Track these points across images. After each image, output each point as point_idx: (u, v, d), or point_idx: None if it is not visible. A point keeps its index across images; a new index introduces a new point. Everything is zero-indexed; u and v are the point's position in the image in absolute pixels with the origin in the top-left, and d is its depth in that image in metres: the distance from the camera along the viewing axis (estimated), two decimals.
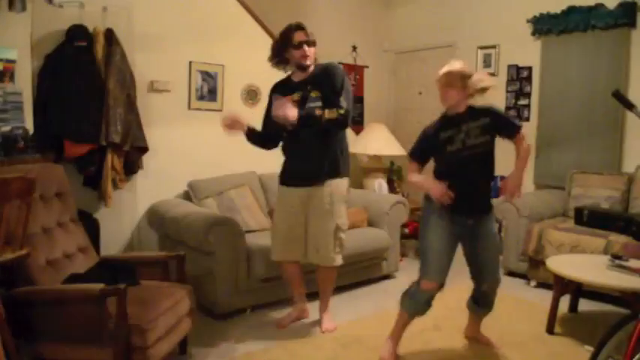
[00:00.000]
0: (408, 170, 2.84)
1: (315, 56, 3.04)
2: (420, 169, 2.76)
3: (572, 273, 3.08)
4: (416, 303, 2.74)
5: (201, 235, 3.18)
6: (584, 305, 3.62)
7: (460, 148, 2.63)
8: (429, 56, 6.32)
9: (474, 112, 2.67)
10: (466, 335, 3.09)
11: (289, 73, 3.16)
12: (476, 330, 3.06)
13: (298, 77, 3.07)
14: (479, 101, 2.72)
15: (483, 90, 2.61)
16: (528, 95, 5.27)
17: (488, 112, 2.67)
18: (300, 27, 2.99)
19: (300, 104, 2.95)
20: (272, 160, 4.56)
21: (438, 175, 2.72)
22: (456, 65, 2.64)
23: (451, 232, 2.67)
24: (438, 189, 2.59)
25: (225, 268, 3.26)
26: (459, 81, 2.61)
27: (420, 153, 2.76)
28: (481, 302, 2.91)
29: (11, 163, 2.70)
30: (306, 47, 2.97)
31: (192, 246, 3.30)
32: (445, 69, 2.66)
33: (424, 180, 2.70)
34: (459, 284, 4.15)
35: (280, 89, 3.09)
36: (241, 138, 4.46)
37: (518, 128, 2.71)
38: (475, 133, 2.62)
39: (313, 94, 2.98)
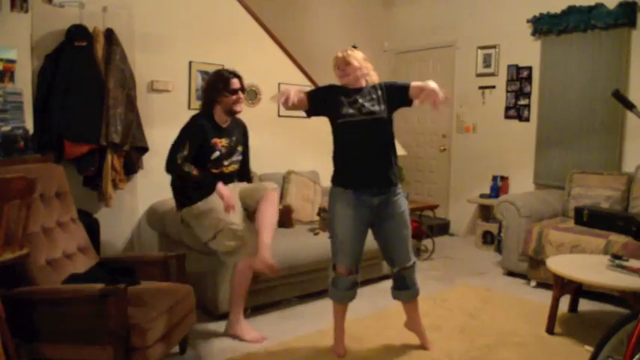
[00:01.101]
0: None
1: None
2: (304, 103, 2.74)
3: (572, 273, 3.08)
4: (338, 289, 2.80)
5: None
6: (584, 305, 3.63)
7: (356, 112, 2.65)
8: (429, 56, 6.33)
9: (366, 89, 2.77)
10: (406, 327, 3.02)
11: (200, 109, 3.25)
12: (415, 322, 2.96)
13: (224, 122, 3.17)
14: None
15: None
16: (528, 95, 5.27)
17: (382, 85, 2.81)
18: (236, 75, 3.14)
19: (228, 152, 3.14)
20: (272, 160, 4.59)
21: (336, 148, 2.73)
22: (348, 50, 2.85)
23: (356, 216, 2.67)
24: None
25: (225, 268, 3.26)
26: (354, 60, 2.77)
27: (315, 94, 2.83)
28: (399, 285, 2.85)
29: (11, 163, 2.70)
30: (240, 94, 3.13)
31: (193, 246, 3.29)
32: (340, 54, 2.83)
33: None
34: (459, 285, 4.17)
35: (208, 129, 3.08)
36: None
37: (408, 85, 2.75)
38: (371, 103, 2.68)
39: (239, 148, 3.23)
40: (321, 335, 3.12)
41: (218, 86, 3.07)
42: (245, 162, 3.31)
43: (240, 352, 2.87)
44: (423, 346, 2.96)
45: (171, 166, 3.01)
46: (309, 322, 3.34)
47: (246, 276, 3.03)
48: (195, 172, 3.00)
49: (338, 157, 2.74)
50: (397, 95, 2.76)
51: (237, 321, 3.07)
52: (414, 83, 2.71)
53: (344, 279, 2.76)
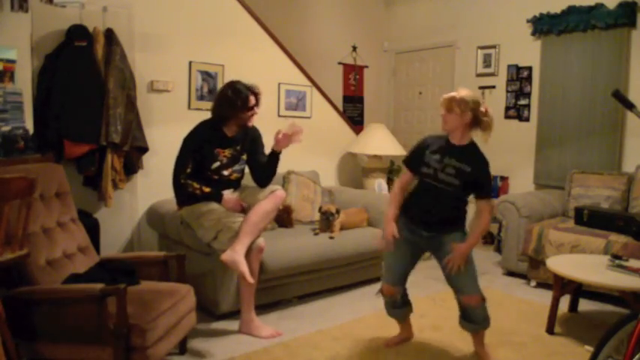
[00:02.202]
0: (399, 178, 2.87)
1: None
2: (411, 176, 2.77)
3: (572, 273, 3.08)
4: (389, 308, 2.94)
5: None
6: (584, 305, 3.62)
7: (430, 175, 2.65)
8: (429, 56, 6.33)
9: (463, 151, 2.65)
10: (475, 351, 2.90)
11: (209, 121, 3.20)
12: (479, 345, 2.87)
13: (231, 132, 3.15)
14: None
15: (484, 125, 2.63)
16: (528, 95, 5.27)
17: (477, 162, 2.64)
18: (253, 91, 3.13)
19: (230, 161, 3.15)
20: None
21: (415, 185, 2.77)
22: (461, 92, 2.62)
23: (408, 240, 2.74)
24: (387, 230, 2.70)
25: (225, 267, 3.25)
26: (457, 107, 2.58)
27: (410, 160, 2.79)
28: (465, 316, 2.78)
29: (11, 163, 2.70)
30: (255, 109, 3.14)
31: (193, 246, 3.29)
32: (453, 93, 2.64)
33: (389, 212, 2.74)
34: None
35: (213, 139, 3.09)
36: None
37: (488, 195, 2.73)
38: (450, 171, 2.62)
39: (243, 157, 3.23)
40: (321, 335, 3.12)
41: (236, 104, 3.05)
42: (257, 166, 3.24)
43: (240, 352, 2.87)
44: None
45: (176, 184, 3.10)
46: (309, 322, 3.33)
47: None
48: (198, 191, 3.05)
49: (411, 194, 2.79)
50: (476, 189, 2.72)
51: (250, 320, 3.10)
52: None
53: (386, 297, 2.88)
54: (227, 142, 3.13)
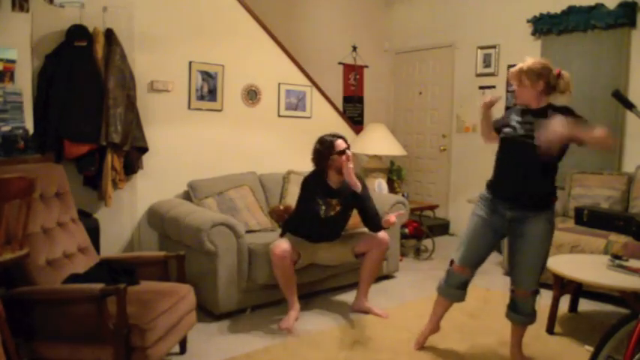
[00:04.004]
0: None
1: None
2: (495, 135, 2.68)
3: (572, 273, 3.08)
4: (447, 285, 2.85)
5: (202, 235, 3.18)
6: (584, 305, 3.62)
7: (516, 135, 2.54)
8: (429, 56, 6.32)
9: (544, 111, 2.52)
10: (511, 350, 2.83)
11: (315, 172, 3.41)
12: (515, 349, 2.81)
13: (335, 184, 3.34)
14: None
15: (561, 88, 2.54)
16: None
17: (562, 112, 2.48)
18: (339, 136, 3.35)
19: (340, 212, 3.37)
20: (272, 160, 4.59)
21: (497, 158, 2.68)
22: (527, 62, 2.54)
23: (488, 222, 2.66)
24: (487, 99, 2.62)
25: (225, 268, 3.26)
26: (527, 79, 2.52)
27: (497, 122, 2.70)
28: (513, 306, 2.74)
29: (11, 163, 2.70)
30: (349, 152, 3.30)
31: (192, 246, 3.30)
32: (516, 67, 2.57)
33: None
34: None
35: (318, 190, 3.31)
36: (240, 138, 4.49)
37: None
38: (533, 127, 2.50)
39: (350, 211, 3.45)
40: (321, 335, 3.12)
41: (324, 153, 3.28)
42: (367, 214, 3.40)
43: (240, 352, 2.87)
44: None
45: (318, 223, 3.31)
46: (310, 322, 3.33)
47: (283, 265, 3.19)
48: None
49: (495, 167, 2.70)
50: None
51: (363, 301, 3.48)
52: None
53: (455, 275, 2.80)
54: (333, 193, 3.33)
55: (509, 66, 5.34)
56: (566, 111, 2.49)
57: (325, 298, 3.77)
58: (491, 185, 2.70)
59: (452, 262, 2.83)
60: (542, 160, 2.47)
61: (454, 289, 2.84)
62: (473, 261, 2.76)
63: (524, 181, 2.57)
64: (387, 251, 3.52)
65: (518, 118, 2.58)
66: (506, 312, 2.80)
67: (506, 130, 2.60)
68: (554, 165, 2.63)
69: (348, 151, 3.28)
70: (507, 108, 2.71)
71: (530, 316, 2.72)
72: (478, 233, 2.70)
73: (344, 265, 3.62)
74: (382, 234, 3.39)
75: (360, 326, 3.28)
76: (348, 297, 3.78)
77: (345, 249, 3.40)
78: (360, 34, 6.40)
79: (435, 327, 2.98)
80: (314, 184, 3.32)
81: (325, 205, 3.28)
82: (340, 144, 3.28)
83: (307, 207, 3.29)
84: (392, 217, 3.30)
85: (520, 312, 2.72)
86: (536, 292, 2.68)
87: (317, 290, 3.77)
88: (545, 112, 2.50)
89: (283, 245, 3.20)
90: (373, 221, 3.39)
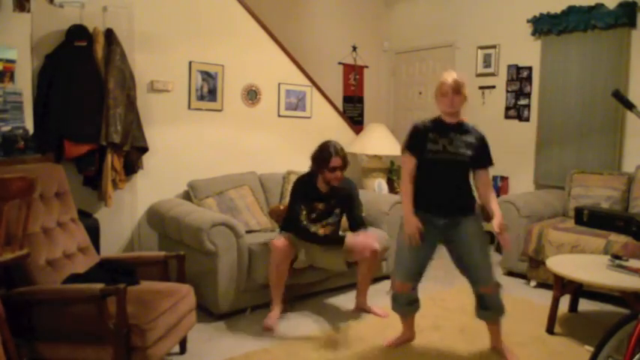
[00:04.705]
0: (404, 168, 2.83)
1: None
2: (415, 163, 2.75)
3: (572, 273, 3.08)
4: (398, 304, 2.90)
5: (202, 235, 3.18)
6: (584, 305, 3.62)
7: (440, 151, 2.68)
8: (429, 56, 6.32)
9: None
10: (492, 347, 2.93)
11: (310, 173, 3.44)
12: (496, 339, 2.90)
13: (324, 189, 3.38)
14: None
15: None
16: (528, 95, 5.27)
17: (477, 133, 2.76)
18: (339, 153, 3.31)
19: (323, 213, 3.39)
20: (272, 160, 4.59)
21: (418, 175, 2.77)
22: (459, 75, 2.72)
23: (422, 236, 2.72)
24: (411, 225, 2.68)
25: (225, 268, 3.26)
26: (463, 90, 2.68)
27: (414, 145, 2.76)
28: (482, 304, 2.83)
29: (11, 163, 2.70)
30: (338, 172, 3.30)
31: (192, 246, 3.30)
32: (454, 75, 2.70)
33: (407, 208, 2.74)
34: (459, 285, 4.15)
35: (305, 193, 3.37)
36: (240, 138, 4.50)
37: (491, 163, 2.79)
38: (459, 144, 2.68)
39: (336, 211, 3.43)
40: (321, 335, 3.12)
41: (319, 162, 3.31)
42: (350, 214, 3.47)
43: (240, 352, 2.87)
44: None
45: (301, 228, 3.27)
46: (309, 322, 3.33)
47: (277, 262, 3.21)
48: (320, 231, 3.33)
49: (423, 183, 2.77)
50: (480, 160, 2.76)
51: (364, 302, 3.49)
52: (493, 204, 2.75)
53: (400, 295, 2.85)
54: (320, 197, 3.38)
55: (509, 66, 5.39)
56: (481, 133, 2.77)
57: (325, 299, 3.77)
58: (421, 201, 2.74)
59: (394, 281, 2.86)
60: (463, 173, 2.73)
61: (405, 306, 2.90)
62: (414, 275, 2.82)
63: (453, 191, 2.72)
64: (379, 258, 3.55)
65: (436, 135, 2.70)
66: (477, 312, 2.87)
67: (432, 147, 2.69)
68: (468, 178, 2.79)
69: (338, 172, 3.28)
70: (415, 130, 2.80)
71: (501, 310, 2.81)
72: (414, 248, 2.73)
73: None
74: (373, 242, 3.33)
75: (359, 326, 3.28)
76: (348, 297, 3.77)
77: (338, 259, 3.38)
78: (360, 34, 6.40)
79: (410, 335, 3.04)
80: (302, 186, 3.39)
81: (308, 210, 3.32)
82: (335, 161, 3.26)
83: (293, 209, 3.34)
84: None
85: (491, 308, 2.80)
86: (500, 285, 2.79)
87: (316, 291, 3.77)
88: (461, 127, 2.72)
89: (283, 239, 3.24)
90: (355, 222, 3.46)
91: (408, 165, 2.77)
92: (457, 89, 2.66)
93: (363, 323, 3.33)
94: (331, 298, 3.79)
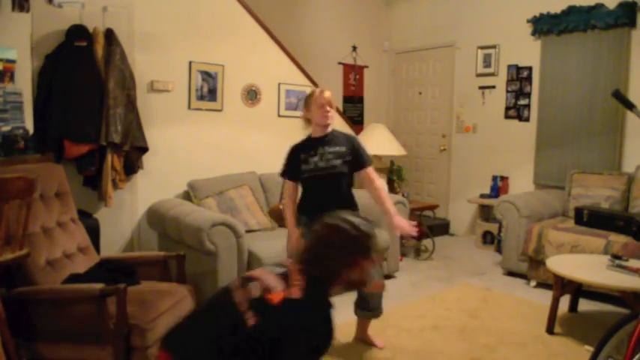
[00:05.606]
0: (286, 192, 2.96)
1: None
2: (296, 185, 2.87)
3: (572, 273, 3.08)
4: None
5: (202, 235, 3.18)
6: (584, 305, 3.62)
7: (313, 169, 2.76)
8: (429, 56, 6.32)
9: (332, 138, 2.81)
10: (356, 337, 3.06)
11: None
12: (363, 331, 3.04)
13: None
14: None
15: None
16: (528, 95, 5.27)
17: (346, 138, 2.84)
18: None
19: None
20: (272, 160, 4.58)
21: (303, 192, 2.87)
22: (326, 91, 2.84)
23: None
24: (292, 238, 2.79)
25: (225, 268, 3.26)
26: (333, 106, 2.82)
27: (289, 171, 2.88)
28: (361, 305, 2.93)
29: (11, 163, 2.70)
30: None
31: (193, 246, 3.30)
32: (327, 91, 2.83)
33: (290, 224, 2.85)
34: (459, 285, 4.17)
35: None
36: (240, 138, 4.50)
37: (369, 162, 2.88)
38: (329, 157, 2.75)
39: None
40: None
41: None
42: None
43: None
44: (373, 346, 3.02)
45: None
46: None
47: None
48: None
49: (306, 195, 2.89)
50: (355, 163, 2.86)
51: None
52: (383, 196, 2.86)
53: None
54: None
55: (509, 66, 5.39)
56: (351, 136, 2.90)
57: None
58: (308, 212, 2.76)
59: None
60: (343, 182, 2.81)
61: None
62: None
63: (335, 203, 2.57)
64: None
65: (311, 153, 2.77)
66: (355, 311, 2.98)
67: (305, 167, 2.77)
68: (347, 185, 2.87)
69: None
70: (289, 155, 2.88)
71: (377, 310, 2.93)
72: None
73: None
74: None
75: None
76: (347, 297, 3.77)
77: None
78: (360, 34, 6.40)
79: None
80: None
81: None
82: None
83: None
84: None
85: (370, 308, 2.91)
86: (383, 286, 2.90)
87: None
88: (329, 139, 2.79)
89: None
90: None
91: (289, 190, 2.90)
92: (331, 103, 2.78)
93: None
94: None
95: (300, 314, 1.63)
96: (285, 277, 1.70)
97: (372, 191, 2.85)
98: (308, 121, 2.86)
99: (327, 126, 2.81)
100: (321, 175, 2.76)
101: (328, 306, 1.77)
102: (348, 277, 1.81)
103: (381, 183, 2.96)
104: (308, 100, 2.83)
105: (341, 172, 2.77)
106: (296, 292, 1.65)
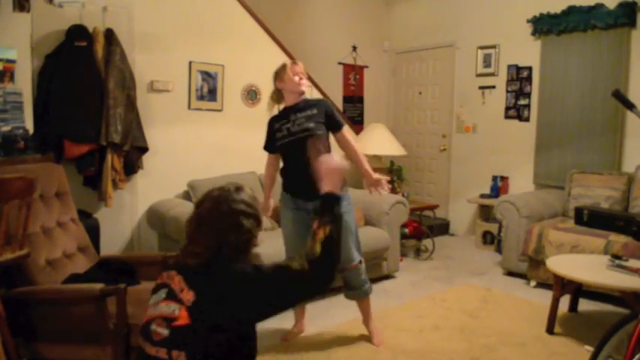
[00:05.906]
0: (265, 166, 3.06)
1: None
2: (276, 157, 2.97)
3: (572, 273, 3.07)
4: None
5: None
6: (584, 305, 3.62)
7: (285, 135, 2.80)
8: (429, 56, 6.32)
9: (304, 104, 2.86)
10: (363, 324, 3.10)
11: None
12: (365, 318, 3.07)
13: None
14: None
15: None
16: (528, 95, 5.27)
17: (316, 102, 2.91)
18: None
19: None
20: None
21: (282, 163, 2.94)
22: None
23: (296, 219, 2.85)
24: (263, 209, 2.88)
25: None
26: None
27: (267, 143, 2.98)
28: (345, 284, 2.97)
29: (11, 163, 2.70)
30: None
31: None
32: (301, 64, 2.89)
33: (265, 194, 3.06)
34: (459, 285, 4.17)
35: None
36: (240, 138, 4.50)
37: (342, 124, 2.92)
38: (301, 122, 2.79)
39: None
40: (321, 335, 3.12)
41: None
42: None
43: None
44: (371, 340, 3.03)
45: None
46: (309, 322, 3.33)
47: None
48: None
49: (283, 168, 2.96)
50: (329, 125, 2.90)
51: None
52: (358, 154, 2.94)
53: None
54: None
55: (509, 66, 5.39)
56: (321, 100, 2.97)
57: (324, 299, 3.77)
58: (290, 186, 2.89)
59: None
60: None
61: None
62: None
63: (309, 171, 2.51)
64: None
65: (283, 121, 2.83)
66: (345, 294, 3.03)
67: (280, 135, 2.83)
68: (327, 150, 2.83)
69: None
70: (268, 128, 2.99)
71: (364, 285, 2.96)
72: (293, 232, 2.86)
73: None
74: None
75: (360, 326, 3.27)
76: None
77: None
78: (360, 34, 6.40)
79: (300, 327, 3.14)
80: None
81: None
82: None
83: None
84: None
85: (354, 287, 2.94)
86: (362, 262, 2.92)
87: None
88: (301, 105, 2.84)
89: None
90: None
91: (269, 160, 3.01)
92: (304, 73, 2.86)
93: (360, 323, 3.32)
94: (331, 298, 3.79)
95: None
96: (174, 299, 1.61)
97: (349, 153, 2.89)
98: (279, 92, 2.91)
99: (301, 93, 2.86)
100: (294, 140, 2.77)
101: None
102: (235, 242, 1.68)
103: (357, 145, 3.00)
104: (281, 71, 2.87)
105: (315, 134, 2.76)
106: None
